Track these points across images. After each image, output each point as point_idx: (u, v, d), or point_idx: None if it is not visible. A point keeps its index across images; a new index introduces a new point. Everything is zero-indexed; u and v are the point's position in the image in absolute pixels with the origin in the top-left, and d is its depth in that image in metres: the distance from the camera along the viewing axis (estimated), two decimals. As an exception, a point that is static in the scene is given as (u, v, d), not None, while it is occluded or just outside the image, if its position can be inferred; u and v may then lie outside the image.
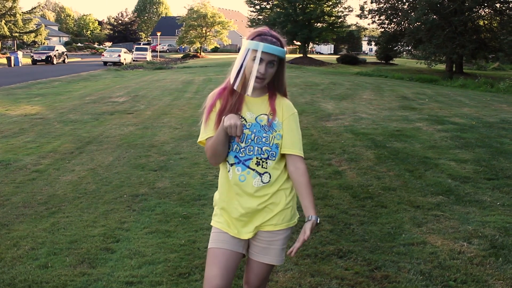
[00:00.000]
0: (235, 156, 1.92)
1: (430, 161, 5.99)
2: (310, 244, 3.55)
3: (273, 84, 1.96)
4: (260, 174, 1.92)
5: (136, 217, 4.13)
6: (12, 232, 3.82)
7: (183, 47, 59.55)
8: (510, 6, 26.31)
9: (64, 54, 37.24)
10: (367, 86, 16.22)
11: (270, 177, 1.93)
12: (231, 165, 1.93)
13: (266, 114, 1.94)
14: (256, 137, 1.91)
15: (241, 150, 1.91)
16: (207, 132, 1.93)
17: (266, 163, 1.92)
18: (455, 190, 4.85)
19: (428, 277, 3.04)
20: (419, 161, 5.99)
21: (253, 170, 1.91)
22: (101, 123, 8.95)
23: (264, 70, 1.85)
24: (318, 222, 1.92)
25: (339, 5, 37.83)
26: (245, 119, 1.92)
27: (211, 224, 2.06)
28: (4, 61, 32.41)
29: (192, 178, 5.30)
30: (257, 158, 1.91)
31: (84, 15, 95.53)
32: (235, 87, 1.88)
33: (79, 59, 43.28)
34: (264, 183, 1.92)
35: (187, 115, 9.80)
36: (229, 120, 1.81)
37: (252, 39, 1.87)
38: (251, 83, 1.84)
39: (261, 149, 1.91)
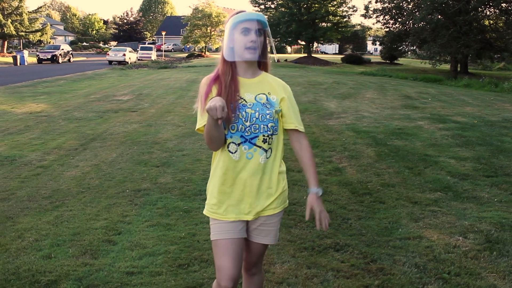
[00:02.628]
0: (241, 136, 1.96)
1: (430, 158, 6.03)
2: (307, 238, 3.61)
3: (263, 57, 2.01)
4: (265, 151, 1.99)
5: (138, 211, 4.21)
6: (17, 224, 3.91)
7: (188, 46, 59.67)
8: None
9: (70, 53, 37.47)
10: (370, 86, 16.26)
11: (271, 152, 2.01)
12: (238, 144, 1.97)
13: (264, 94, 2.01)
14: (260, 115, 1.97)
15: (247, 129, 1.96)
16: (204, 119, 1.94)
17: (271, 139, 2.00)
18: (454, 186, 4.90)
19: (422, 270, 3.10)
20: (419, 158, 6.03)
21: (260, 147, 1.98)
22: (105, 121, 9.04)
23: (255, 38, 1.91)
24: (320, 194, 2.01)
25: (343, 4, 37.86)
26: (244, 100, 1.98)
27: (208, 214, 2.07)
28: (10, 60, 32.66)
29: (193, 174, 5.38)
30: (263, 135, 1.97)
31: (89, 14, 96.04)
32: (229, 58, 1.94)
33: (84, 58, 43.53)
34: (267, 158, 2.00)
35: (190, 113, 9.88)
36: (210, 102, 1.78)
37: (233, 17, 1.96)
38: (246, 54, 1.93)
39: (267, 126, 1.98)
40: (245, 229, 2.07)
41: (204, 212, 2.10)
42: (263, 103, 1.99)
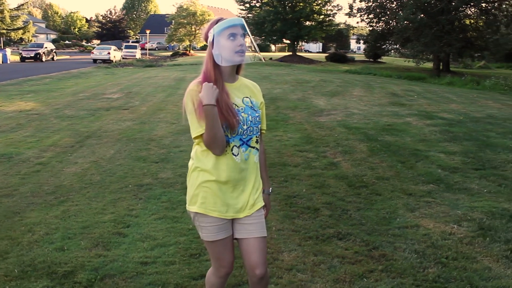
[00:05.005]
0: (240, 139, 2.08)
1: (421, 153, 6.25)
2: (310, 228, 3.77)
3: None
4: (257, 150, 2.16)
5: (144, 205, 4.31)
6: (25, 219, 3.98)
7: (172, 45, 59.47)
8: (495, 5, 26.85)
9: (53, 51, 37.01)
10: (357, 84, 16.52)
11: (258, 149, 2.17)
12: (238, 147, 2.08)
13: (247, 97, 2.15)
14: (253, 118, 2.10)
15: (244, 132, 2.08)
16: (202, 125, 1.99)
17: (259, 138, 2.17)
18: (445, 179, 5.11)
19: (422, 255, 3.28)
20: (410, 153, 6.25)
21: (253, 147, 2.13)
22: (98, 119, 9.08)
23: (243, 42, 2.02)
24: (270, 193, 2.32)
25: (328, 3, 38.17)
26: (236, 105, 2.08)
27: (207, 213, 2.08)
28: (-8, 58, 32.16)
29: (193, 169, 5.48)
30: (256, 136, 2.13)
31: (71, 12, 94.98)
32: (220, 63, 2.02)
33: (67, 57, 43.04)
34: (258, 157, 2.18)
35: (182, 110, 9.95)
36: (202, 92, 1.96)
37: (216, 25, 2.03)
38: (236, 58, 2.02)
39: (258, 127, 2.14)
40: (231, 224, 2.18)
41: (201, 211, 2.09)
42: (250, 106, 2.13)
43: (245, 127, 2.06)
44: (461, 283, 2.92)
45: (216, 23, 2.03)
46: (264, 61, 2.18)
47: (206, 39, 2.07)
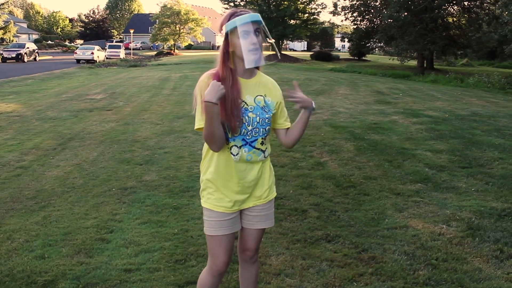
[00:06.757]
0: (243, 139, 2.02)
1: (408, 151, 6.23)
2: (299, 230, 3.70)
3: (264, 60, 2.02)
4: (263, 151, 2.09)
5: (127, 209, 4.20)
6: (4, 226, 3.84)
7: (156, 44, 59.01)
8: (477, 4, 27.16)
9: (35, 51, 36.37)
10: (342, 82, 16.54)
11: (267, 151, 2.13)
12: (239, 147, 2.03)
13: (261, 95, 2.07)
14: (261, 119, 2.03)
15: (248, 133, 2.01)
16: (204, 118, 1.95)
17: (266, 139, 2.10)
18: (433, 178, 5.09)
19: (412, 257, 3.23)
20: (397, 151, 6.23)
21: (258, 149, 2.06)
22: (81, 120, 8.91)
23: (256, 40, 1.93)
24: (314, 107, 2.13)
25: (312, 2, 38.24)
26: (246, 103, 2.02)
27: (214, 208, 2.08)
28: (-28, 59, 31.53)
29: (178, 171, 5.39)
30: (262, 138, 2.06)
31: (53, 12, 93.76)
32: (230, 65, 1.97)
33: (50, 57, 42.39)
34: (265, 157, 2.12)
35: (167, 111, 9.85)
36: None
37: (228, 21, 1.94)
38: (249, 57, 1.91)
39: (265, 129, 2.05)
40: (239, 219, 2.17)
41: (208, 206, 2.10)
42: (262, 106, 2.04)
43: (250, 127, 2.00)
44: (452, 285, 2.87)
45: (232, 15, 1.95)
46: (279, 56, 2.13)
47: (220, 31, 2.02)
